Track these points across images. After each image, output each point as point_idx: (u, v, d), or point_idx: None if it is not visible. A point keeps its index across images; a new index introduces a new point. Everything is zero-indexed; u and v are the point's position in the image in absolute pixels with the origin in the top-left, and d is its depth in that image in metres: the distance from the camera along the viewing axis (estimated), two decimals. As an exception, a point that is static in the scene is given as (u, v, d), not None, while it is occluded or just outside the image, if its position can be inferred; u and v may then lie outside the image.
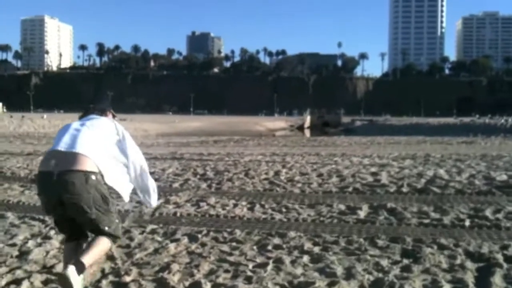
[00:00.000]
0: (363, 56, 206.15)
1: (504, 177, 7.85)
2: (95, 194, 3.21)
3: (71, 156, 3.21)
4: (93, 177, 3.22)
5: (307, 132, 64.40)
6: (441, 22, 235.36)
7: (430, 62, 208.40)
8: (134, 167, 3.55)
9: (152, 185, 3.69)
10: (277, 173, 8.73)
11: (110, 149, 3.45)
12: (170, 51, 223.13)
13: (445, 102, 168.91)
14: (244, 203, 6.22)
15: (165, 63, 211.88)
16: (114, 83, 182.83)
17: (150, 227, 5.03)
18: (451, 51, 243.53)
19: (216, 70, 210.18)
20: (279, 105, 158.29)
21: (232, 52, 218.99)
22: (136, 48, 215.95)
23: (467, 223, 5.17)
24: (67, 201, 3.17)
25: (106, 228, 3.31)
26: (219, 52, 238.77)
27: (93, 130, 3.41)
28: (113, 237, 3.40)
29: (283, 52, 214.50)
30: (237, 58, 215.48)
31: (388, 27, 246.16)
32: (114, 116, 3.82)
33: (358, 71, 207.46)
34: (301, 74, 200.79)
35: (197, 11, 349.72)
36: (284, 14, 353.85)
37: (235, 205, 6.08)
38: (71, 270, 3.06)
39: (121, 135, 3.53)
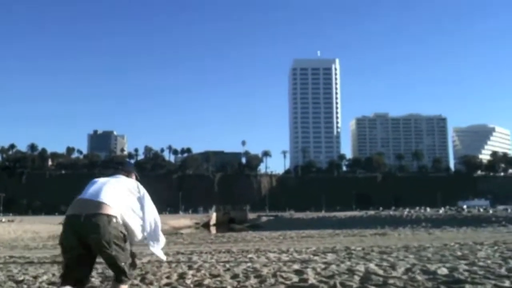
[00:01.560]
0: (266, 153, 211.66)
1: (445, 270, 6.86)
2: (115, 234, 3.90)
3: (96, 203, 3.95)
4: (114, 220, 3.93)
5: (213, 229, 62.68)
6: (337, 122, 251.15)
7: (328, 160, 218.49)
8: (149, 221, 4.29)
9: (162, 238, 4.49)
10: (182, 276, 7.12)
11: (130, 203, 4.18)
12: (70, 150, 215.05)
13: (344, 197, 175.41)
14: (137, 320, 4.59)
15: (64, 162, 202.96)
16: (7, 183, 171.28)
17: None
18: (347, 149, 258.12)
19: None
20: (185, 203, 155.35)
21: (136, 150, 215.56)
22: (32, 147, 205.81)
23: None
24: (92, 240, 3.83)
25: (122, 264, 3.94)
26: (122, 150, 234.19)
27: (117, 185, 4.20)
28: (124, 274, 3.96)
29: (188, 150, 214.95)
30: (141, 156, 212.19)
31: (289, 126, 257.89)
32: (137, 178, 4.61)
33: (262, 168, 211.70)
34: (206, 171, 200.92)
35: (99, 109, 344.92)
36: (188, 112, 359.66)
37: (125, 325, 4.41)
38: None
39: (142, 194, 4.34)
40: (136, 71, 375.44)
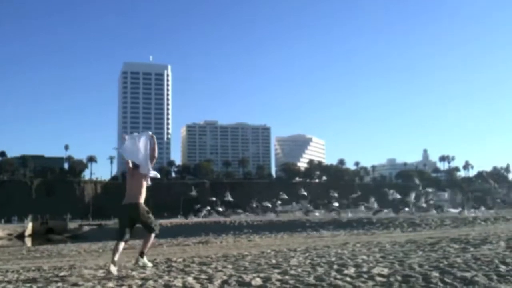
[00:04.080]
0: (91, 159, 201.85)
1: (259, 281, 7.06)
2: (143, 211, 8.69)
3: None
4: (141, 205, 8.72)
5: (29, 241, 57.88)
6: (167, 128, 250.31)
7: (158, 166, 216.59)
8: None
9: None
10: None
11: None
12: None
13: (173, 203, 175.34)
14: None
15: None
16: None
17: None
18: (177, 156, 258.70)
19: None
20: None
21: None
22: None
23: None
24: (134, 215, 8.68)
25: (151, 224, 8.65)
26: None
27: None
28: (152, 229, 8.67)
29: (2, 153, 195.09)
30: None
31: (117, 132, 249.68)
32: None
33: (86, 174, 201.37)
34: (23, 177, 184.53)
35: None
36: (4, 116, 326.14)
37: None
38: (141, 259, 8.89)
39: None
40: None
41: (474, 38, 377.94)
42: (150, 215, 8.77)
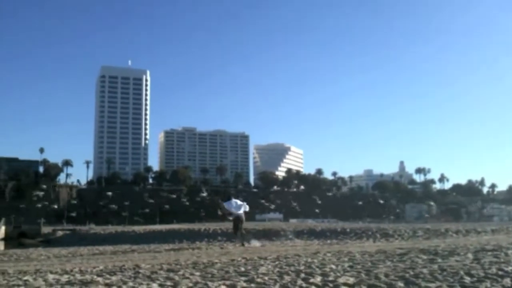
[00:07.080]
0: (67, 163, 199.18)
1: (224, 288, 7.02)
2: (244, 220, 19.92)
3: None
4: (243, 216, 19.67)
5: (1, 245, 56.98)
6: (145, 134, 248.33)
7: (134, 172, 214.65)
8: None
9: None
10: None
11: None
12: None
13: (150, 209, 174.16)
14: None
15: None
16: None
17: None
18: (154, 162, 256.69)
19: None
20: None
21: None
22: None
23: None
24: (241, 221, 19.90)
25: (244, 227, 20.29)
26: None
27: (241, 203, 20.07)
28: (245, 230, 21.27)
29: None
30: None
31: (94, 136, 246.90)
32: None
33: (61, 179, 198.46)
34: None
35: None
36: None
37: None
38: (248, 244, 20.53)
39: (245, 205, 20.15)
40: None
41: (449, 51, 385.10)
42: (243, 222, 19.50)
